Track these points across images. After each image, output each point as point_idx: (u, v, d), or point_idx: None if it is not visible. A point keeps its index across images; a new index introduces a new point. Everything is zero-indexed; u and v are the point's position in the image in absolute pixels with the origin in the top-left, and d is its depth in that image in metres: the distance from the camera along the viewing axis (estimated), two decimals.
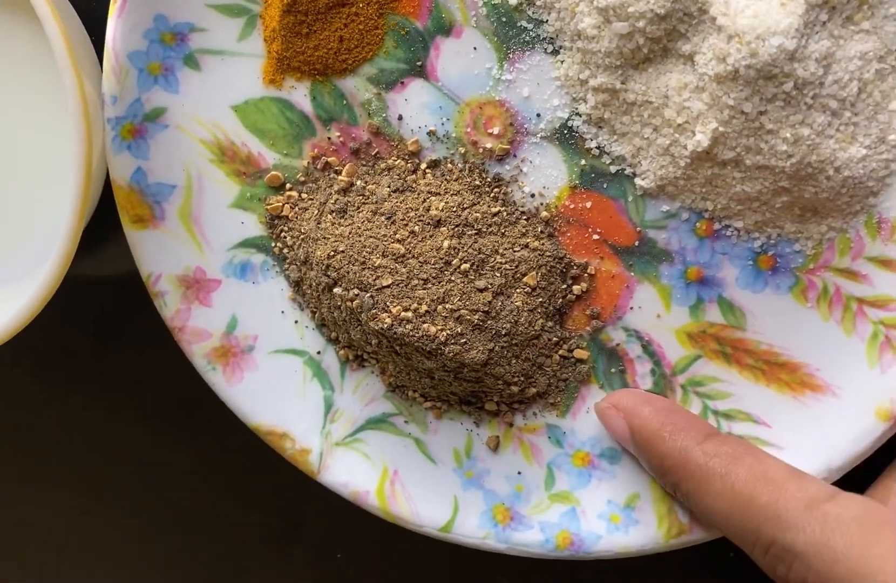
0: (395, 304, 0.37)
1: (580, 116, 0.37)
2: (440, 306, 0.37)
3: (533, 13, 0.36)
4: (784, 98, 0.33)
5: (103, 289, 0.45)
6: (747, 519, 0.31)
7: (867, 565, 0.27)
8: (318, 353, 0.40)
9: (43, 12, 0.33)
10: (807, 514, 0.30)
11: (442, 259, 0.37)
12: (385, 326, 0.37)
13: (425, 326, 0.37)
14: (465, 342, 0.37)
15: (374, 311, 0.37)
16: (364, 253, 0.37)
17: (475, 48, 0.37)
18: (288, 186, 0.39)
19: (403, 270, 0.37)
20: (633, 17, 0.33)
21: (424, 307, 0.37)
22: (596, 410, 0.38)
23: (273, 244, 0.40)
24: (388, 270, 0.37)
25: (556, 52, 0.37)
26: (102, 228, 0.41)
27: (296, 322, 0.40)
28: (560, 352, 0.39)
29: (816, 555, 0.29)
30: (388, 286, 0.37)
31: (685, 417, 0.35)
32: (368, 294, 0.37)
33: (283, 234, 0.40)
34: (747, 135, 0.34)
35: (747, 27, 0.32)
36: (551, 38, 0.37)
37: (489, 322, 0.37)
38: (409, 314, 0.37)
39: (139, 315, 0.42)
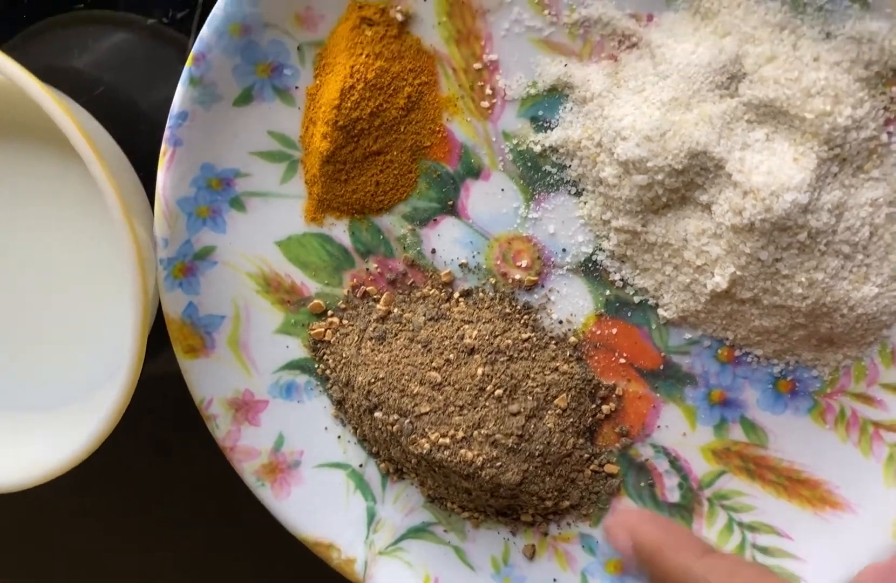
0: (433, 430, 0.39)
1: (603, 252, 0.39)
2: (476, 432, 0.39)
3: (556, 159, 0.39)
4: (798, 246, 0.35)
5: (156, 386, 0.47)
6: None
7: None
8: (361, 466, 0.42)
9: (97, 173, 0.36)
10: None
11: (476, 386, 0.39)
12: (424, 451, 0.39)
13: (462, 451, 0.39)
14: (501, 465, 0.39)
15: (413, 436, 0.39)
16: (403, 380, 0.39)
17: (503, 189, 0.39)
18: (329, 312, 0.42)
19: (440, 397, 0.39)
20: (652, 171, 0.35)
21: (461, 433, 0.39)
22: (603, 529, 0.39)
23: (316, 366, 0.42)
24: (426, 397, 0.39)
25: (579, 194, 0.39)
26: (154, 334, 0.43)
27: (338, 437, 0.42)
28: (591, 467, 0.41)
29: None
30: (426, 413, 0.39)
31: (685, 535, 0.36)
32: (408, 420, 0.39)
33: (325, 356, 0.42)
34: (764, 278, 0.36)
35: (762, 184, 0.34)
36: (574, 182, 0.39)
37: (523, 444, 0.39)
38: (447, 440, 0.39)
39: (188, 415, 0.44)
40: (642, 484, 0.41)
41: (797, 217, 0.34)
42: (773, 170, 0.34)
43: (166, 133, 0.38)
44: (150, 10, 0.43)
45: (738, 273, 0.36)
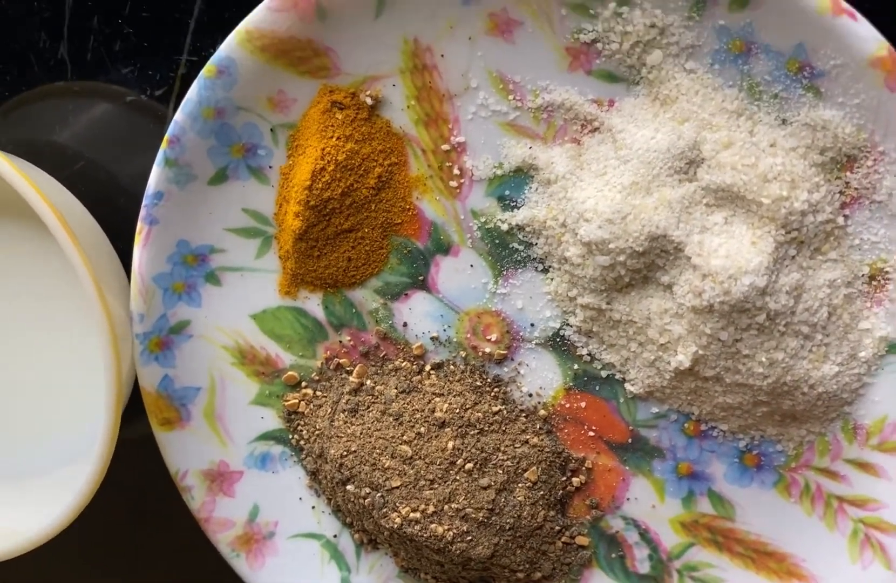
0: (403, 505, 0.39)
1: (571, 327, 0.40)
2: (446, 506, 0.39)
3: (523, 237, 0.39)
4: (758, 327, 0.36)
5: (135, 451, 0.47)
6: None
7: None
8: (335, 536, 0.42)
9: (67, 248, 0.36)
10: None
11: (447, 460, 0.40)
12: (395, 525, 0.39)
13: (433, 526, 0.39)
14: (471, 539, 0.39)
15: (384, 510, 0.40)
16: (374, 454, 0.40)
17: (472, 265, 0.40)
18: (303, 384, 0.42)
19: (411, 471, 0.40)
20: (614, 252, 0.36)
21: (432, 508, 0.39)
22: None
23: (290, 436, 0.43)
24: (397, 471, 0.40)
25: (545, 271, 0.40)
26: (134, 401, 0.43)
27: (313, 508, 0.42)
28: (563, 539, 0.41)
29: None
30: (397, 487, 0.40)
31: None
32: (379, 494, 0.40)
33: (299, 427, 0.43)
34: (725, 358, 0.36)
35: (720, 268, 0.35)
36: (541, 259, 0.39)
37: (494, 518, 0.40)
38: (418, 515, 0.39)
39: (166, 481, 0.44)
40: (613, 556, 0.41)
41: (755, 299, 0.35)
42: (732, 253, 0.35)
43: (142, 212, 0.39)
44: (129, 87, 0.44)
45: (700, 352, 0.36)
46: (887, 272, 0.36)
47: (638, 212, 0.35)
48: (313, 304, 0.41)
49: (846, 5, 0.34)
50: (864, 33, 0.34)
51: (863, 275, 0.37)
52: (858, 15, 0.34)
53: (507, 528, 0.40)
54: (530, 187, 0.39)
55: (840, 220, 0.36)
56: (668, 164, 0.35)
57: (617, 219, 0.36)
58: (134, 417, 0.45)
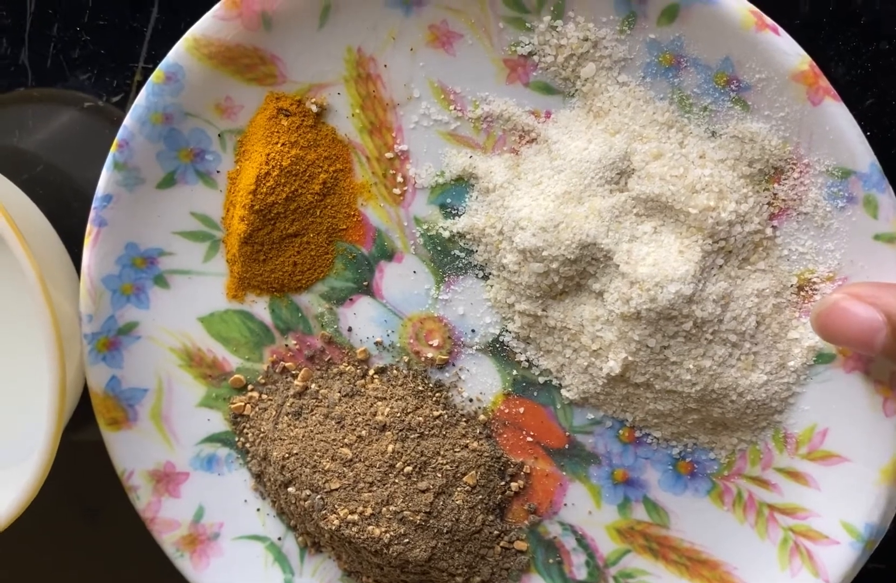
0: (342, 507, 0.40)
1: (510, 333, 0.40)
2: (384, 508, 0.40)
3: (464, 244, 0.40)
4: (685, 335, 0.36)
5: (88, 451, 0.48)
6: None
7: None
8: (279, 539, 0.43)
9: (15, 247, 0.37)
10: None
11: (386, 463, 0.40)
12: (333, 527, 0.40)
13: (370, 528, 0.40)
14: (409, 542, 0.40)
15: (323, 512, 0.40)
16: (315, 456, 0.40)
17: (415, 272, 0.41)
18: (250, 387, 0.43)
19: (350, 473, 0.40)
20: (547, 260, 0.37)
21: (370, 510, 0.40)
22: (822, 311, 0.32)
23: (236, 439, 0.43)
24: (337, 474, 0.40)
25: (486, 277, 0.40)
26: (85, 403, 0.44)
27: (258, 510, 0.43)
28: (501, 543, 0.42)
29: None
30: (336, 489, 0.40)
31: None
32: (318, 496, 0.40)
33: (245, 430, 0.43)
34: (654, 364, 0.37)
35: (646, 275, 0.35)
36: (481, 266, 0.40)
37: (431, 521, 0.40)
38: (356, 517, 0.40)
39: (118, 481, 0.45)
40: (551, 561, 0.41)
41: (682, 307, 0.36)
42: (659, 262, 0.36)
43: (91, 214, 0.40)
44: (87, 94, 0.45)
45: (630, 358, 0.37)
46: (814, 283, 0.37)
47: (570, 220, 0.36)
48: (260, 307, 0.42)
49: (769, 21, 0.35)
50: (787, 48, 0.35)
51: (791, 285, 0.37)
52: (781, 30, 0.35)
53: (445, 531, 0.40)
54: (471, 196, 0.40)
55: (769, 231, 0.37)
56: (599, 174, 0.36)
57: (550, 227, 0.36)
58: (87, 419, 0.46)
